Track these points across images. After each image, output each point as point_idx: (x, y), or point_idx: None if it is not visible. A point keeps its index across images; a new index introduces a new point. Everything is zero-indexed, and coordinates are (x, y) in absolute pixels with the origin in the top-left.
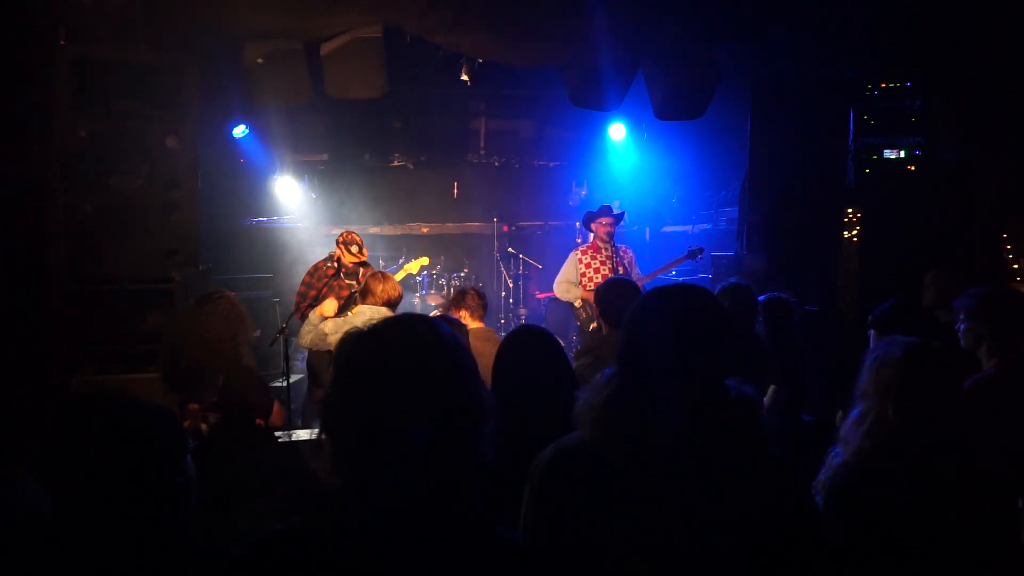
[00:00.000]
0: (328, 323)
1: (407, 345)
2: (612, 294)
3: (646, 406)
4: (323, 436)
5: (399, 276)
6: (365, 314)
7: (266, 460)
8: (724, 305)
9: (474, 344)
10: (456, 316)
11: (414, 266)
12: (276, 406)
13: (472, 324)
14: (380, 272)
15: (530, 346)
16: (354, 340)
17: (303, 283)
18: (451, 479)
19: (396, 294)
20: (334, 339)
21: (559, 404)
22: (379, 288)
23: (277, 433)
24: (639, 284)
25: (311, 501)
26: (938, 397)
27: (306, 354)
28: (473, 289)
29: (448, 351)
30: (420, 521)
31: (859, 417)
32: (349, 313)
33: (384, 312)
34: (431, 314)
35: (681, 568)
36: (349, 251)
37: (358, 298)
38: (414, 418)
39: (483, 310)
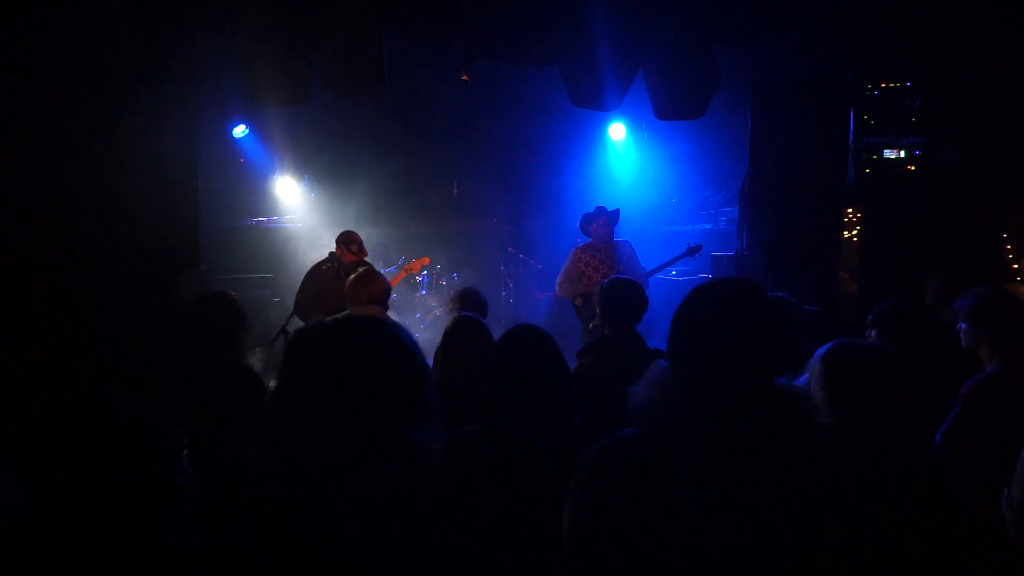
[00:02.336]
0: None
1: (348, 345)
2: (614, 294)
3: (700, 401)
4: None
5: (400, 277)
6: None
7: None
8: (781, 303)
9: None
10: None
11: (415, 266)
12: None
13: None
14: (361, 273)
15: (523, 344)
16: (299, 339)
17: (303, 283)
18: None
19: (379, 291)
20: None
21: (554, 402)
22: (357, 291)
23: None
24: (642, 279)
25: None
26: (867, 398)
27: None
28: (466, 291)
29: (384, 352)
30: (353, 519)
31: None
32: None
33: (370, 310)
34: (434, 313)
35: (732, 563)
36: (349, 250)
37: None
38: (351, 415)
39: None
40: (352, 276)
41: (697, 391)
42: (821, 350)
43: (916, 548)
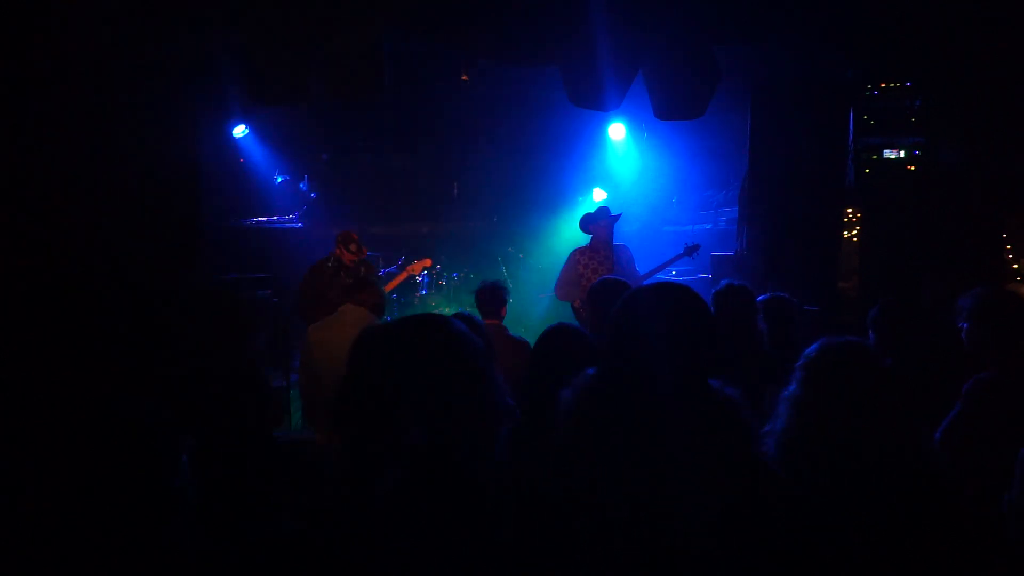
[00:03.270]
0: (311, 327)
1: (418, 346)
2: (602, 294)
3: (626, 405)
4: (335, 432)
5: (401, 279)
6: (347, 315)
7: (267, 462)
8: (707, 305)
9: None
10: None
11: (416, 268)
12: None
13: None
14: (362, 279)
15: (559, 344)
16: (368, 339)
17: (303, 283)
18: (463, 476)
19: (371, 301)
20: (316, 336)
21: None
22: (359, 295)
23: (277, 433)
24: (638, 283)
25: (313, 499)
26: (849, 396)
27: None
28: (489, 286)
29: (459, 353)
30: (431, 518)
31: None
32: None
33: (361, 312)
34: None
35: (660, 564)
36: (348, 249)
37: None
38: (420, 417)
39: (493, 305)
40: (355, 280)
41: (623, 396)
42: (806, 352)
43: (894, 552)
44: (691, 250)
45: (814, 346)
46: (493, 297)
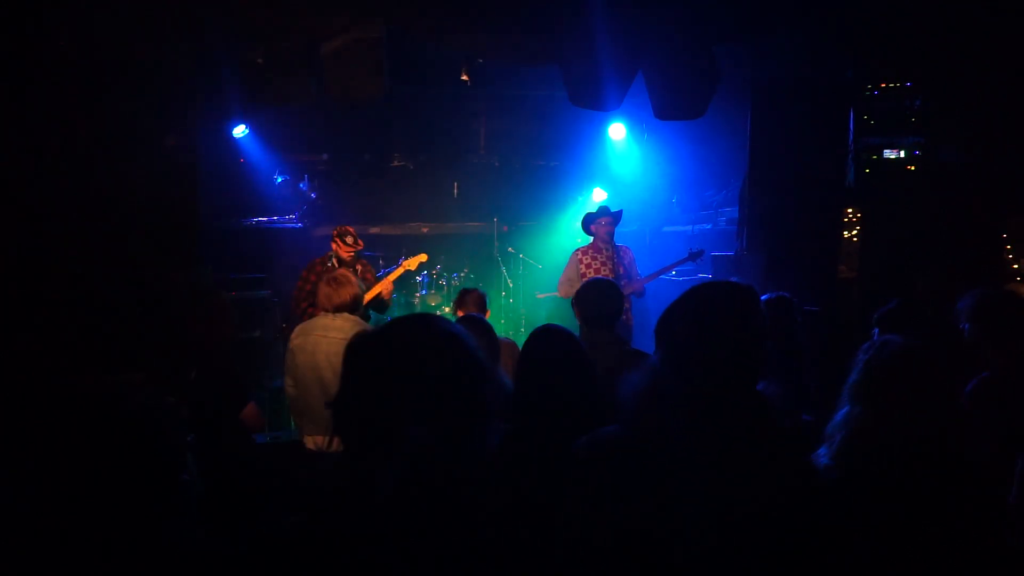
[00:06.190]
0: (296, 328)
1: (408, 346)
2: (587, 294)
3: (678, 402)
4: (335, 435)
5: (397, 274)
6: (321, 320)
7: (245, 460)
8: (764, 309)
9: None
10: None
11: (412, 263)
12: (250, 407)
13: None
14: (331, 277)
15: (551, 345)
16: (360, 341)
17: (300, 279)
18: (455, 475)
19: (342, 300)
20: (297, 342)
21: (580, 402)
22: (322, 294)
23: (277, 433)
24: (640, 284)
25: (312, 499)
26: (918, 399)
27: None
28: (476, 289)
29: (449, 350)
30: (426, 517)
31: (844, 417)
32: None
33: (334, 317)
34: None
35: (701, 558)
36: (344, 243)
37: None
38: (415, 416)
39: (482, 310)
40: (323, 280)
41: (687, 393)
42: (883, 354)
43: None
44: (695, 255)
45: (876, 349)
46: (479, 300)
